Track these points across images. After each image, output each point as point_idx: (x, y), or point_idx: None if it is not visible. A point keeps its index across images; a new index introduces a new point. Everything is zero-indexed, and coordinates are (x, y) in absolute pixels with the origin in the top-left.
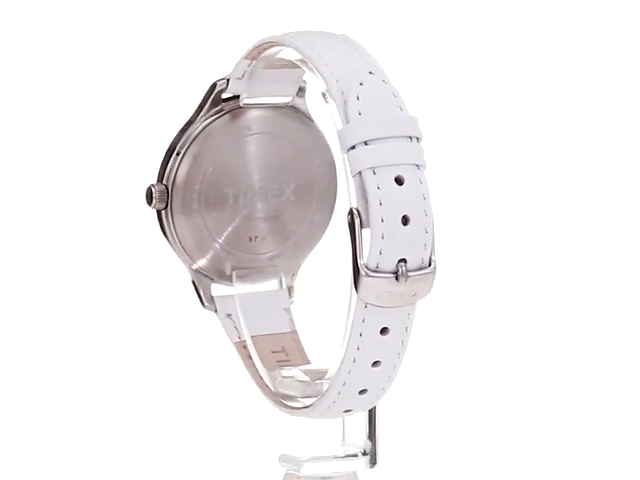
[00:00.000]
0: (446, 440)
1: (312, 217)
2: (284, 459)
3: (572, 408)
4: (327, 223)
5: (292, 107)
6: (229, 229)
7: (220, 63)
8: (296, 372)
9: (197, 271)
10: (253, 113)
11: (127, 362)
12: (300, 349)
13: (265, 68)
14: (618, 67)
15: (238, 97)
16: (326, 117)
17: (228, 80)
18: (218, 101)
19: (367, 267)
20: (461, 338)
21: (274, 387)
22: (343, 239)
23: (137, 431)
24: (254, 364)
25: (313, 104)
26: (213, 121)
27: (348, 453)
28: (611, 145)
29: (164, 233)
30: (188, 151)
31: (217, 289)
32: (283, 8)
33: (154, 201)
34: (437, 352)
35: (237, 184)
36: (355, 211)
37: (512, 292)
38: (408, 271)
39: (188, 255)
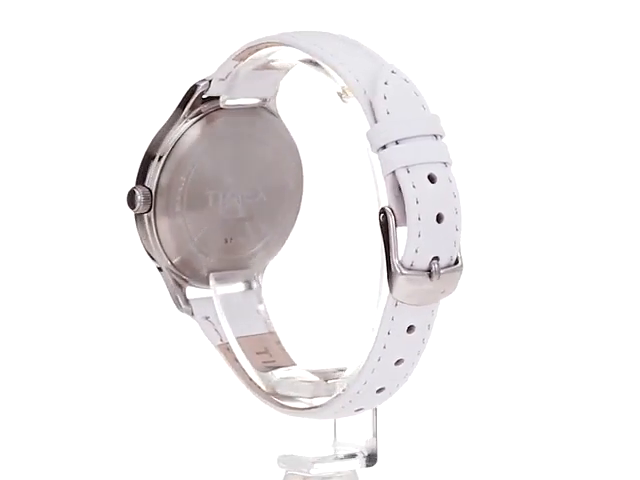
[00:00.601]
0: (446, 440)
1: (283, 217)
2: (285, 460)
3: (574, 407)
4: (294, 223)
5: (265, 108)
6: (207, 230)
7: (180, 66)
8: (297, 372)
9: (175, 273)
10: (232, 114)
11: (125, 365)
12: (282, 350)
13: (255, 69)
14: (623, 59)
15: (217, 98)
16: (332, 117)
17: (210, 81)
18: (198, 103)
19: (402, 265)
20: (460, 337)
21: (267, 388)
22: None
23: (136, 434)
24: (242, 366)
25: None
26: (194, 123)
27: (348, 453)
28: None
29: (143, 236)
30: (171, 154)
31: (192, 292)
32: (255, 11)
33: (138, 204)
34: (437, 351)
35: (217, 186)
36: (389, 210)
37: (512, 292)
38: (440, 269)
39: (167, 257)
